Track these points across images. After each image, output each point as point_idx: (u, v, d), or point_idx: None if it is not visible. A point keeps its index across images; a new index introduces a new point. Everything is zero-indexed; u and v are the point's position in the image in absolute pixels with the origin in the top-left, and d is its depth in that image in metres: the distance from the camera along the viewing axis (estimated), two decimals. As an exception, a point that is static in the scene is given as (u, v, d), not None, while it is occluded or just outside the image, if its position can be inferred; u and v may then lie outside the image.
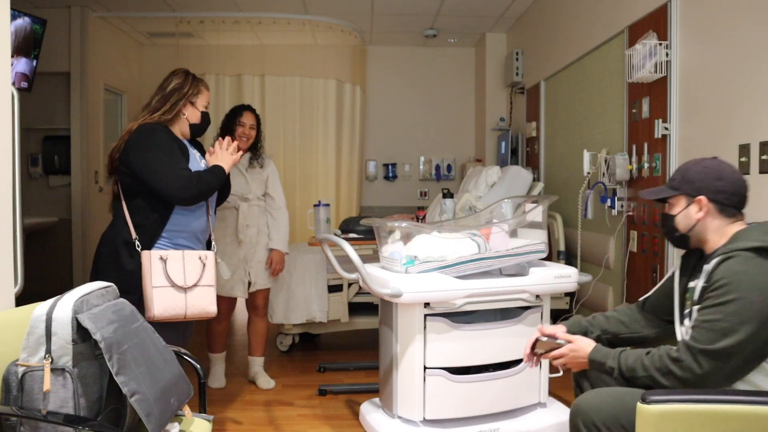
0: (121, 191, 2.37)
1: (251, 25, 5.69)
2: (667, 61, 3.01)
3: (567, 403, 2.86)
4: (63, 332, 1.58)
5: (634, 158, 3.35)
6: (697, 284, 1.73)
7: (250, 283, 3.42)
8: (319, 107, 5.96)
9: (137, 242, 2.30)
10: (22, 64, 4.44)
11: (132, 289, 2.24)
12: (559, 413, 2.73)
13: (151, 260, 2.25)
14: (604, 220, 3.70)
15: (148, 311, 2.24)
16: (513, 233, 2.81)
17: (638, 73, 3.16)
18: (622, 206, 3.47)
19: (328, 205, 3.66)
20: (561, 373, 2.81)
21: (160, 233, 2.34)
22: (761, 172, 2.36)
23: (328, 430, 2.92)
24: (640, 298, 2.08)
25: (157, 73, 6.45)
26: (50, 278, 5.18)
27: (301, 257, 3.97)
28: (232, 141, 2.59)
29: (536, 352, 1.97)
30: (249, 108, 3.40)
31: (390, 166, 6.69)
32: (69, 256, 5.39)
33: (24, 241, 2.09)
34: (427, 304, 2.53)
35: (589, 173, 3.69)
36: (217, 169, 2.44)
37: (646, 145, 3.23)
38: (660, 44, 3.01)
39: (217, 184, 2.43)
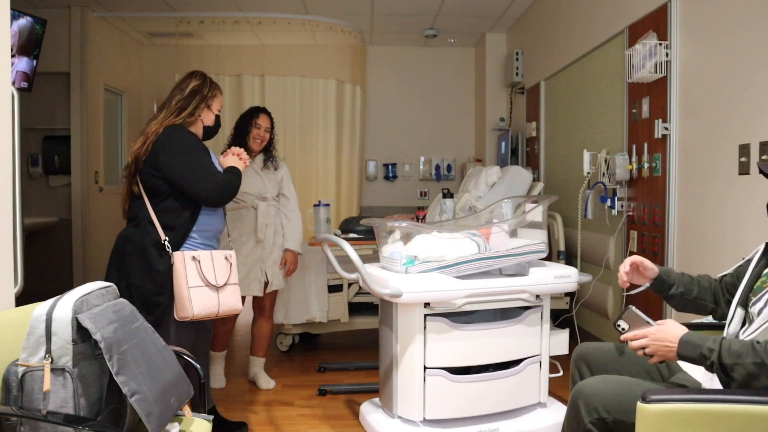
0: (145, 192, 2.37)
1: (251, 25, 5.69)
2: (667, 61, 3.01)
3: (567, 403, 2.85)
4: (63, 332, 1.58)
5: (634, 158, 3.35)
6: None
7: (266, 283, 3.42)
8: (319, 107, 5.96)
9: (167, 243, 2.31)
10: (23, 63, 4.44)
11: (163, 289, 2.29)
12: (559, 413, 2.73)
13: (185, 261, 2.28)
14: (604, 220, 3.70)
15: (185, 311, 2.27)
16: (513, 233, 2.80)
17: (638, 73, 3.16)
18: (622, 206, 3.47)
19: (328, 205, 3.66)
20: (561, 373, 2.81)
21: (189, 234, 2.38)
22: (761, 172, 2.35)
23: (328, 430, 2.92)
24: (719, 274, 1.99)
25: (157, 73, 6.56)
26: (50, 278, 5.18)
27: (301, 257, 3.97)
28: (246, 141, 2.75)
29: (620, 326, 1.73)
30: (264, 110, 3.41)
31: (390, 166, 6.69)
32: (69, 256, 5.39)
33: (24, 241, 2.09)
34: (427, 304, 2.53)
35: (589, 173, 3.69)
36: (235, 170, 2.51)
37: (646, 145, 3.23)
38: (660, 44, 3.01)
39: (239, 184, 2.50)
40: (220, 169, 2.52)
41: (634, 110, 3.37)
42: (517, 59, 5.57)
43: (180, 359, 1.95)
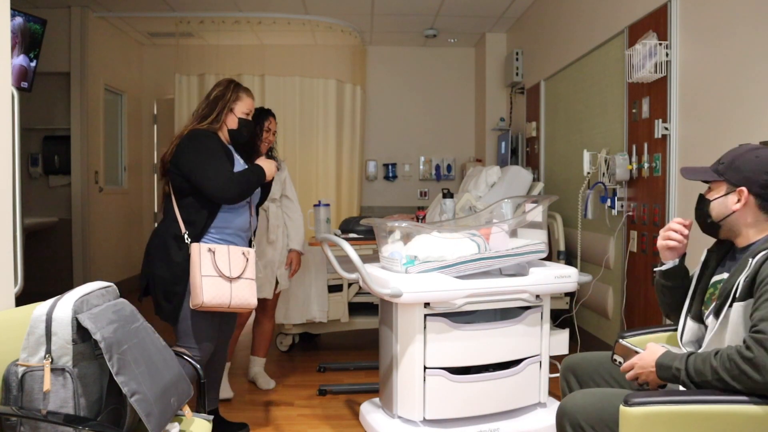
0: (172, 191, 2.53)
1: (251, 25, 5.69)
2: (667, 61, 3.01)
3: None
4: (63, 332, 1.58)
5: (634, 158, 3.35)
6: (738, 278, 1.59)
7: (276, 284, 3.43)
8: (319, 107, 5.96)
9: (186, 236, 2.44)
10: (20, 60, 4.45)
11: (179, 279, 2.43)
12: (559, 413, 2.73)
13: (201, 251, 2.40)
14: (604, 220, 3.70)
15: (196, 298, 2.36)
16: (513, 233, 2.80)
17: (638, 73, 3.16)
18: (622, 206, 3.47)
19: (328, 205, 3.66)
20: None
21: (207, 229, 2.49)
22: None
23: (328, 430, 2.92)
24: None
25: (157, 73, 6.56)
26: (50, 278, 5.19)
27: (302, 257, 3.97)
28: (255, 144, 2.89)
29: (616, 360, 1.78)
30: (272, 113, 3.40)
31: (390, 166, 6.69)
32: (69, 256, 5.39)
33: (24, 241, 2.09)
34: (427, 304, 2.53)
35: (589, 173, 3.69)
36: (256, 168, 2.58)
37: (646, 145, 3.23)
38: (660, 44, 3.01)
39: (257, 182, 2.57)
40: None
41: (634, 110, 3.37)
42: (517, 59, 5.57)
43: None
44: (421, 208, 4.39)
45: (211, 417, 1.96)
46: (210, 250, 2.42)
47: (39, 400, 1.55)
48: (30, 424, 1.55)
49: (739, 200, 1.67)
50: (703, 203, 1.76)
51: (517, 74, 5.59)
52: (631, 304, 3.42)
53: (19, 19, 4.41)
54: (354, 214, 6.07)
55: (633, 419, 1.50)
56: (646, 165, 3.23)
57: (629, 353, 1.74)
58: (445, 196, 3.70)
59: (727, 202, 1.70)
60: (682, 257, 1.90)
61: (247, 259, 2.52)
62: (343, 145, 6.06)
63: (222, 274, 2.41)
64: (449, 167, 6.71)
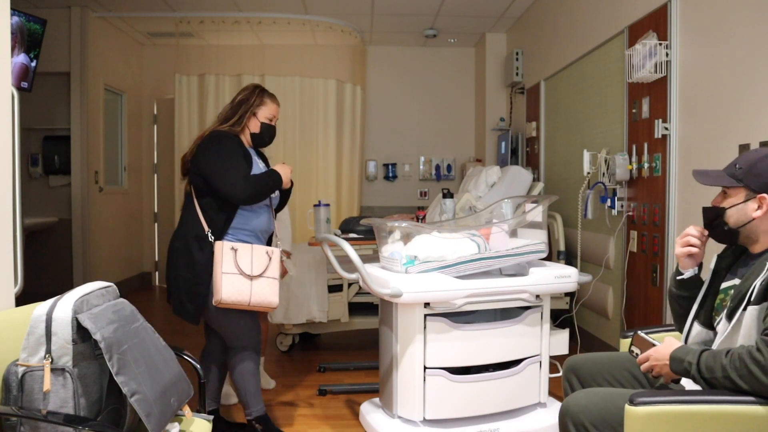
0: (193, 191, 2.59)
1: (251, 25, 5.69)
2: (667, 61, 3.01)
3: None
4: (63, 332, 1.58)
5: (634, 158, 3.35)
6: (754, 282, 1.58)
7: None
8: (319, 107, 5.96)
9: (209, 235, 2.49)
10: (22, 59, 4.45)
11: (202, 280, 2.48)
12: (559, 413, 2.74)
13: (223, 249, 2.44)
14: (604, 220, 3.70)
15: (216, 294, 2.41)
16: (513, 233, 2.80)
17: (638, 73, 3.16)
18: (622, 206, 3.47)
19: (328, 205, 3.65)
20: (561, 373, 2.81)
21: (227, 229, 2.54)
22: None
23: (328, 430, 2.92)
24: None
25: (157, 73, 6.56)
26: (50, 278, 5.19)
27: (301, 257, 3.97)
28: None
29: (633, 351, 1.78)
30: None
31: (390, 166, 6.69)
32: (69, 256, 5.39)
33: (24, 241, 2.09)
34: (427, 304, 2.53)
35: (589, 173, 3.69)
36: (273, 173, 2.61)
37: (646, 145, 3.23)
38: (660, 44, 3.01)
39: (272, 185, 2.60)
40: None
41: (634, 110, 3.37)
42: (517, 59, 5.57)
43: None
44: (421, 208, 4.39)
45: (212, 417, 1.96)
46: (233, 248, 2.46)
47: (39, 400, 1.55)
48: (30, 424, 1.55)
49: (759, 207, 1.64)
50: (716, 211, 1.73)
51: (517, 74, 5.59)
52: (631, 304, 3.42)
53: (17, 19, 4.41)
54: (354, 214, 6.07)
55: (638, 418, 1.50)
56: (646, 165, 3.23)
57: (646, 345, 1.74)
58: (445, 196, 3.70)
59: (746, 209, 1.66)
60: (699, 266, 1.87)
61: (271, 258, 2.55)
62: (343, 145, 6.07)
63: (242, 271, 2.44)
64: (449, 167, 6.72)
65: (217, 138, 2.57)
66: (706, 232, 1.82)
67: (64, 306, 1.61)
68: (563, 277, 2.68)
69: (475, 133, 6.68)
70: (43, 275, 5.13)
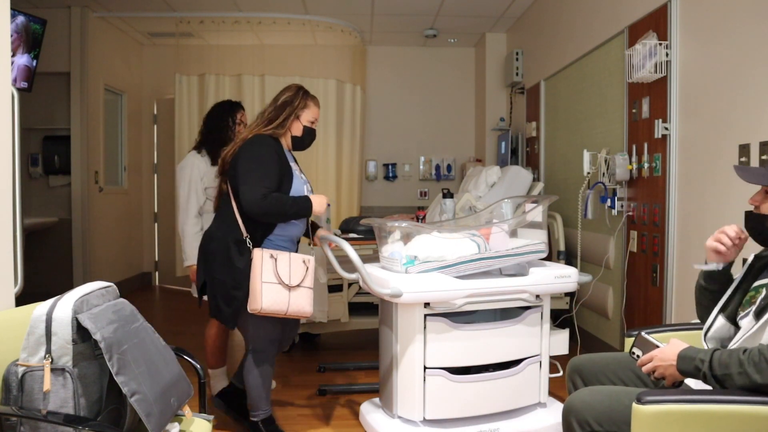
0: (231, 192, 2.54)
1: (251, 25, 5.69)
2: (667, 61, 3.01)
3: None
4: (63, 332, 1.58)
5: (634, 158, 3.35)
6: None
7: None
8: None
9: (248, 240, 2.46)
10: (24, 60, 4.45)
11: (240, 285, 2.45)
12: (559, 413, 2.72)
13: (263, 257, 2.41)
14: (604, 220, 3.70)
15: (255, 303, 2.38)
16: (513, 233, 2.80)
17: (638, 73, 3.16)
18: (622, 206, 3.47)
19: (328, 205, 3.65)
20: (561, 373, 2.81)
21: (268, 235, 2.52)
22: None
23: (328, 430, 2.92)
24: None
25: (157, 73, 6.56)
26: (50, 278, 5.19)
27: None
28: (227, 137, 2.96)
29: (634, 353, 1.76)
30: (242, 107, 3.34)
31: (390, 166, 6.69)
32: (69, 256, 5.39)
33: (24, 241, 2.09)
34: (427, 304, 2.53)
35: (589, 173, 3.69)
36: (304, 201, 2.55)
37: (646, 145, 3.23)
38: (660, 44, 3.01)
39: (295, 213, 2.53)
40: (300, 183, 2.59)
41: (634, 110, 3.37)
42: (517, 59, 5.57)
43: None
44: (421, 208, 4.40)
45: (212, 417, 1.96)
46: (272, 256, 2.43)
47: (39, 400, 1.55)
48: (30, 424, 1.55)
49: None
50: (760, 218, 1.69)
51: (517, 74, 5.59)
52: (631, 304, 3.42)
53: (21, 19, 4.41)
54: (354, 214, 6.07)
55: (645, 417, 1.49)
56: (646, 165, 3.23)
57: (650, 346, 1.71)
58: (445, 196, 3.70)
59: None
60: (729, 264, 1.85)
61: (308, 268, 2.53)
62: (343, 145, 6.06)
63: (282, 281, 2.42)
64: (449, 167, 6.71)
65: (257, 143, 2.50)
66: (744, 235, 1.79)
67: (64, 306, 1.61)
68: (563, 277, 2.68)
69: (475, 133, 6.68)
70: (43, 275, 5.13)
